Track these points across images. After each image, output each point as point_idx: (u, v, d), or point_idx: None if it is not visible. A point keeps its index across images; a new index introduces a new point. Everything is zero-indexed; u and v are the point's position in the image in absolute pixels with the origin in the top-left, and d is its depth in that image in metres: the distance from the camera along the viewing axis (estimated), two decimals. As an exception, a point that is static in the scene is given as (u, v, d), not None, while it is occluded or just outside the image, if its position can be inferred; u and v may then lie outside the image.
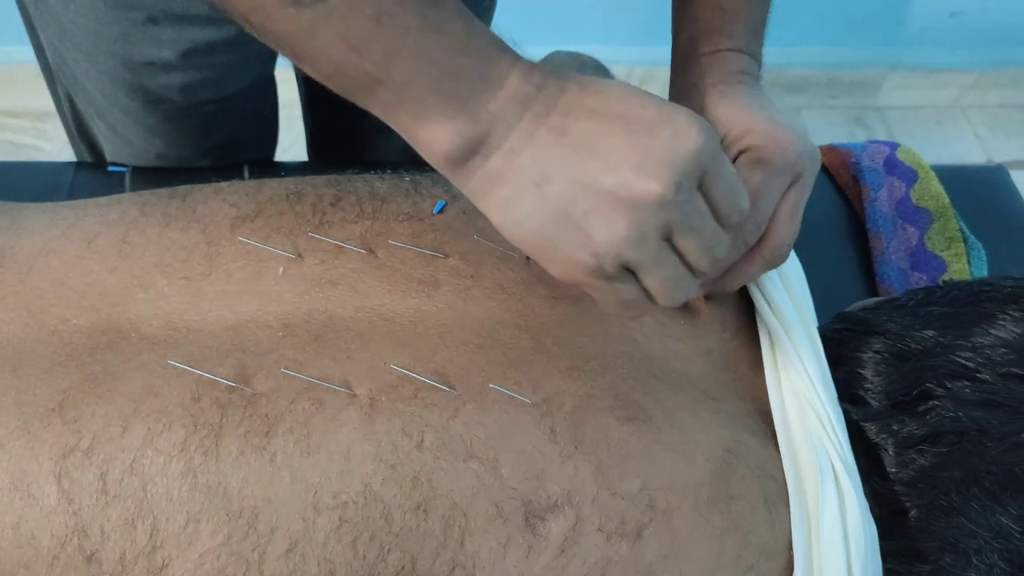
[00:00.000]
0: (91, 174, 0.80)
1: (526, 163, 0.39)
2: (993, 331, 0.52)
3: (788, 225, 0.48)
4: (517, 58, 0.40)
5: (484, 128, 0.38)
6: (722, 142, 0.47)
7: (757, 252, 0.48)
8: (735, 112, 0.48)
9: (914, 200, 0.78)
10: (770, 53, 1.76)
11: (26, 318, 0.47)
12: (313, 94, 0.87)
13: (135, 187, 0.76)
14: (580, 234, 0.39)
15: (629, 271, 0.41)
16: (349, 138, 0.87)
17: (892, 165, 0.81)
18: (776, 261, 0.49)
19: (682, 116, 0.39)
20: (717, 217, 0.41)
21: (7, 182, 0.77)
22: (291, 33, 0.36)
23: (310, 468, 0.42)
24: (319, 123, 0.92)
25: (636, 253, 0.40)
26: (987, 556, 0.49)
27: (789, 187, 0.48)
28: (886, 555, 0.50)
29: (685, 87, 0.52)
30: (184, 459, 0.42)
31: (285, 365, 0.44)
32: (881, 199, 0.79)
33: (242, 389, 0.43)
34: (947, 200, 0.78)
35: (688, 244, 0.41)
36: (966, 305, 0.54)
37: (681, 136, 0.38)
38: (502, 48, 0.39)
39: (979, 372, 0.50)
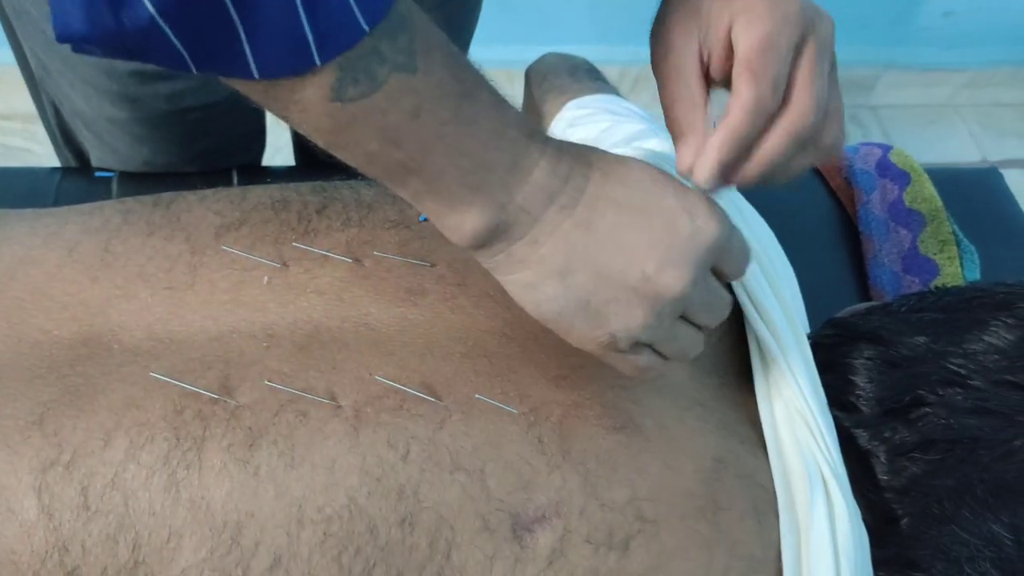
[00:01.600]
0: (77, 180, 0.79)
1: (550, 254, 0.39)
2: (985, 337, 0.51)
3: (810, 88, 0.41)
4: (545, 145, 0.39)
5: (511, 218, 0.39)
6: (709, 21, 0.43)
7: (780, 124, 0.42)
8: None
9: (907, 203, 0.78)
10: (764, 53, 1.73)
11: (6, 330, 0.46)
12: None
13: (122, 192, 0.75)
14: (598, 319, 0.40)
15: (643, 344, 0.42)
16: None
17: (885, 167, 0.81)
18: (804, 132, 0.42)
19: (701, 208, 0.40)
20: (724, 278, 0.43)
21: (-9, 187, 0.77)
22: (330, 127, 0.36)
23: (294, 481, 0.41)
24: None
25: (651, 335, 0.41)
26: (979, 564, 0.49)
27: (801, 47, 0.42)
28: (878, 563, 0.50)
29: None
30: (167, 473, 0.41)
31: (269, 377, 0.44)
32: (874, 202, 0.78)
33: (225, 401, 0.43)
34: (940, 203, 0.78)
35: (699, 317, 0.43)
36: (958, 311, 0.54)
37: (700, 231, 0.39)
38: (531, 135, 0.39)
39: (971, 379, 0.50)
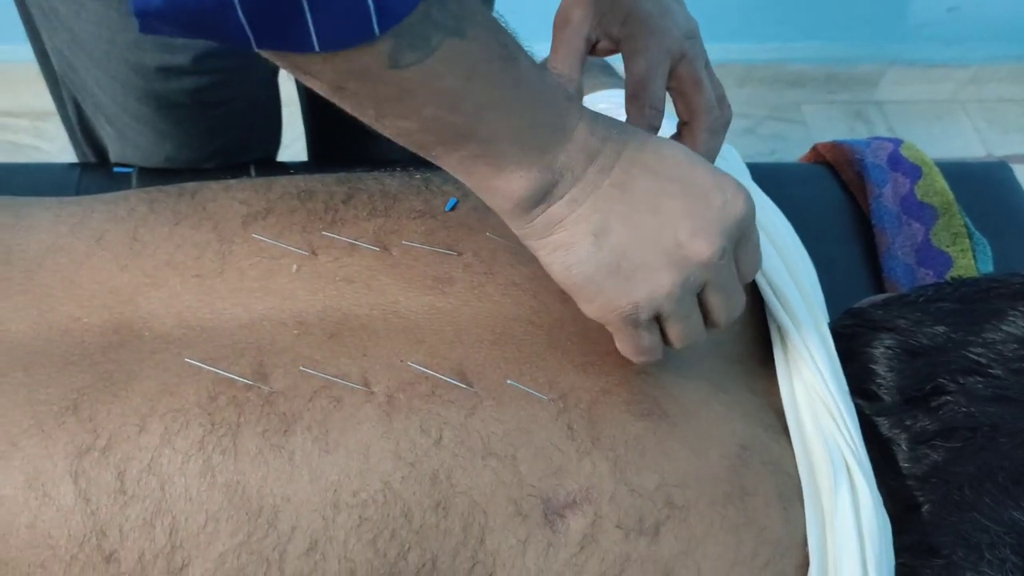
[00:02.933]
0: (97, 175, 0.79)
1: (587, 213, 0.40)
2: (1004, 327, 0.52)
3: (702, 94, 0.51)
4: (582, 109, 0.41)
5: (555, 177, 0.40)
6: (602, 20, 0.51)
7: (695, 128, 0.51)
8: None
9: (919, 196, 0.78)
10: (770, 49, 1.77)
11: (36, 317, 0.47)
12: (313, 93, 0.88)
13: (142, 187, 0.76)
14: (626, 285, 0.41)
15: (656, 320, 0.43)
16: (350, 137, 0.87)
17: (896, 161, 0.81)
18: (717, 125, 0.52)
19: (730, 184, 0.42)
20: (739, 276, 0.45)
21: (12, 183, 0.77)
22: (387, 95, 0.36)
23: (329, 466, 0.42)
24: (319, 123, 0.91)
25: (672, 306, 0.42)
26: (999, 551, 0.49)
27: (679, 65, 0.51)
28: (899, 550, 0.50)
29: None
30: (202, 458, 0.42)
31: (302, 363, 0.44)
32: (886, 195, 0.79)
33: (259, 387, 0.43)
34: (951, 196, 0.78)
35: (715, 301, 0.44)
36: (975, 301, 0.54)
37: (731, 204, 0.42)
38: (569, 98, 0.41)
39: (991, 367, 0.50)
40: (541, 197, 0.40)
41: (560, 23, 0.52)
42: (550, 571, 0.42)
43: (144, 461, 0.42)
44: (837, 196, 0.83)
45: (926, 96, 1.82)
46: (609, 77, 0.86)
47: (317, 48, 0.32)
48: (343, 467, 0.42)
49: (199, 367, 0.44)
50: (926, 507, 0.50)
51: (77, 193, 0.77)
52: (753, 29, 1.70)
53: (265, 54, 0.35)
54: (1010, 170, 0.89)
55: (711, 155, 0.52)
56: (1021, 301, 0.53)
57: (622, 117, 0.73)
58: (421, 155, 0.40)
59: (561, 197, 0.40)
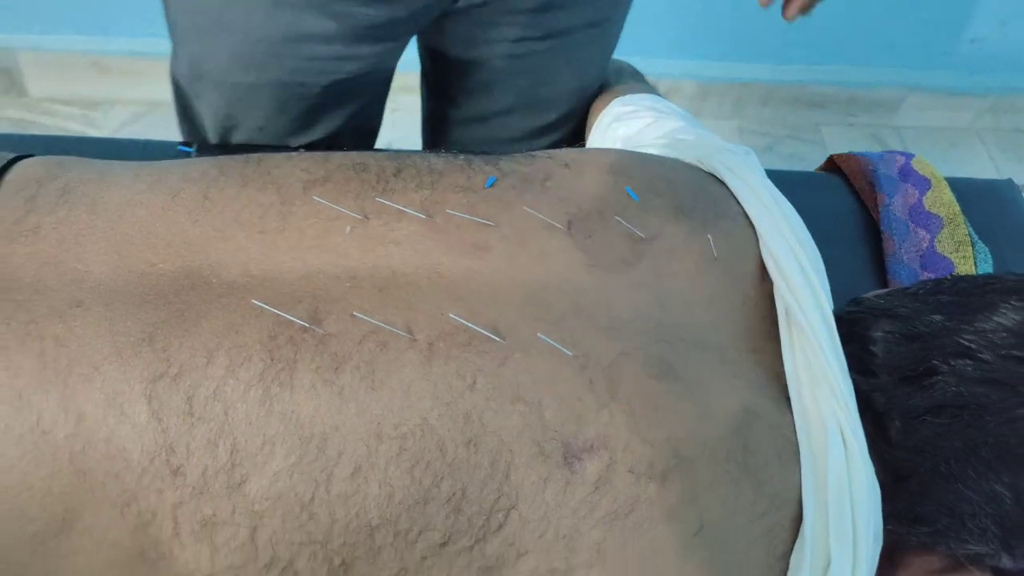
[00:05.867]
0: (160, 151, 0.85)
1: None
2: (995, 318, 0.56)
3: None
4: None
5: None
6: None
7: None
8: None
9: (926, 206, 0.83)
10: (794, 71, 1.83)
11: (116, 261, 0.52)
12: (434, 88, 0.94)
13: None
14: None
15: None
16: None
17: (907, 173, 0.86)
18: None
19: None
20: None
21: (82, 153, 0.82)
22: None
23: (374, 402, 0.46)
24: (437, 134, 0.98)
25: None
26: (980, 520, 0.53)
27: None
28: (888, 517, 0.54)
29: None
30: (262, 388, 0.46)
31: (353, 311, 0.49)
32: (896, 204, 0.83)
33: (314, 330, 0.48)
34: (958, 208, 0.83)
35: None
36: (971, 295, 0.58)
37: None
38: None
39: (981, 352, 0.54)
40: None
41: None
42: (567, 507, 0.47)
43: (210, 388, 0.46)
44: (849, 204, 0.88)
45: (944, 123, 1.86)
46: (638, 83, 0.91)
47: None
48: (386, 403, 0.47)
49: (261, 309, 0.48)
50: (915, 478, 0.54)
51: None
52: (777, 51, 1.75)
53: None
54: (1017, 189, 0.93)
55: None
56: (1014, 296, 0.57)
57: (647, 119, 0.78)
58: None
59: None
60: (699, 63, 1.66)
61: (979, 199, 0.88)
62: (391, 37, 0.77)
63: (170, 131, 0.91)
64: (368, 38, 0.74)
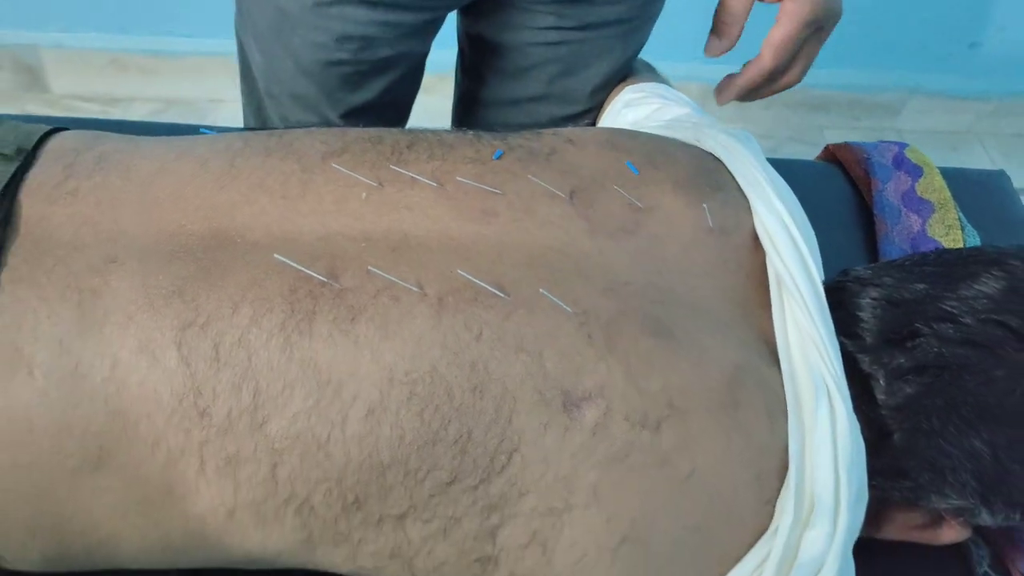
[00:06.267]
0: (186, 133, 0.89)
1: None
2: (976, 286, 0.59)
3: (803, 64, 0.76)
4: None
5: None
6: None
7: (778, 83, 0.76)
8: None
9: (918, 192, 0.86)
10: (796, 74, 1.80)
11: (147, 222, 0.55)
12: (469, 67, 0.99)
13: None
14: None
15: None
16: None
17: (900, 161, 0.89)
18: (787, 86, 0.78)
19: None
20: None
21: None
22: None
23: (387, 350, 0.50)
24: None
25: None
26: (960, 475, 0.56)
27: (811, 36, 0.71)
28: (873, 472, 0.57)
29: None
30: (283, 337, 0.50)
31: (368, 267, 0.52)
32: (889, 190, 0.86)
33: (331, 284, 0.51)
34: (948, 194, 0.86)
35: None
36: (955, 266, 0.62)
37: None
38: None
39: (962, 317, 0.58)
40: None
41: None
42: (565, 451, 0.50)
43: (235, 336, 0.50)
44: (844, 190, 0.91)
45: (945, 126, 1.89)
46: (649, 72, 0.95)
47: None
48: (398, 351, 0.50)
49: (283, 266, 0.52)
50: (898, 435, 0.57)
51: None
52: (781, 54, 1.79)
53: None
54: (1007, 179, 0.96)
55: (732, 91, 0.76)
56: (995, 266, 0.60)
57: (655, 105, 0.82)
58: None
59: None
60: (703, 65, 1.69)
61: (971, 188, 0.91)
62: (429, 7, 0.81)
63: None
64: (410, 6, 0.78)
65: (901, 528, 0.63)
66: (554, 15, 0.83)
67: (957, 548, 0.71)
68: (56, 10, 1.59)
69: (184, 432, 0.49)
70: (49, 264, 0.52)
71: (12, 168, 0.56)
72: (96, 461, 0.49)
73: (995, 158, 1.86)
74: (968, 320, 0.58)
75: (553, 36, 0.87)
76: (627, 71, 0.94)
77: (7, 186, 0.55)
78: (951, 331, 0.57)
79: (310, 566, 0.54)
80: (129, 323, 0.50)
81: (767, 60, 0.73)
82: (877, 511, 0.61)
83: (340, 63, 0.82)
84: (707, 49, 0.75)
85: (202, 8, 1.49)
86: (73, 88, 1.70)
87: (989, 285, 0.59)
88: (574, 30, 0.84)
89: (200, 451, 0.49)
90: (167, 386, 0.49)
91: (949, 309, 0.58)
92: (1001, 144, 1.88)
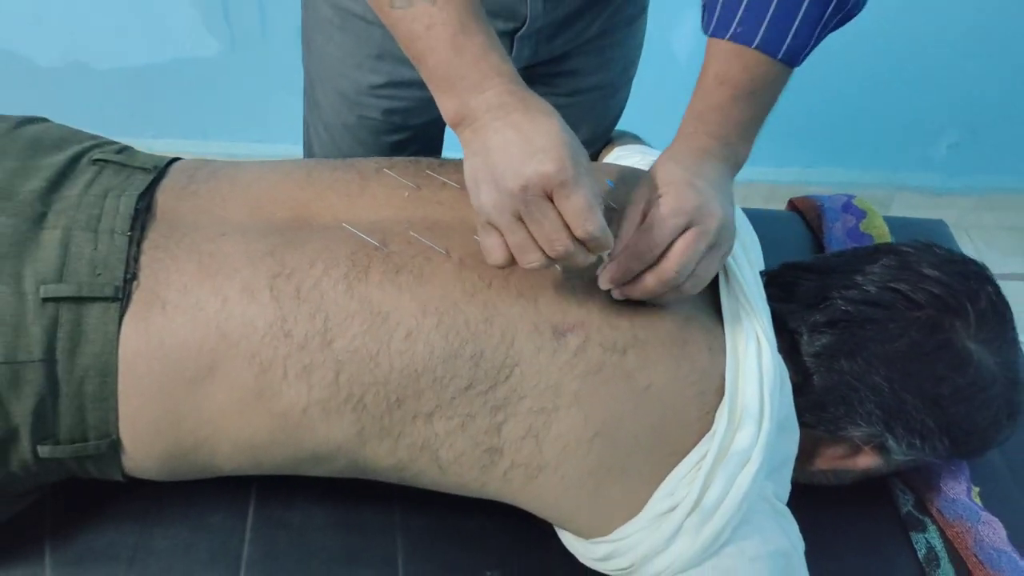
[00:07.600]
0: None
1: (479, 141, 0.63)
2: (876, 266, 0.77)
3: (678, 257, 0.64)
4: (505, 82, 0.63)
5: (468, 113, 0.63)
6: (648, 189, 0.67)
7: (651, 270, 0.65)
8: (667, 170, 0.68)
9: (861, 229, 1.04)
10: (794, 172, 2.10)
11: (248, 212, 0.75)
12: None
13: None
14: (477, 190, 0.62)
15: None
16: None
17: (847, 207, 1.08)
18: (666, 281, 0.65)
19: (553, 152, 0.59)
20: (568, 225, 0.60)
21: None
22: (389, 24, 0.66)
23: (422, 292, 0.68)
24: None
25: (496, 218, 0.61)
26: (867, 406, 0.72)
27: (685, 230, 0.64)
28: (801, 410, 0.73)
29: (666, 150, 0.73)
30: (346, 283, 0.68)
31: (409, 240, 0.71)
32: (836, 228, 1.05)
33: (382, 249, 0.70)
34: (887, 230, 1.04)
35: (533, 228, 0.61)
36: (865, 253, 0.80)
37: (542, 163, 0.59)
38: (500, 74, 0.64)
39: (865, 285, 0.75)
40: (462, 121, 0.64)
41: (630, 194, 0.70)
42: (554, 366, 0.67)
43: (312, 282, 0.68)
44: (803, 233, 1.10)
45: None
46: (636, 140, 1.16)
47: None
48: (430, 292, 0.68)
49: (348, 236, 0.71)
50: (817, 376, 0.74)
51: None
52: (777, 154, 2.01)
53: None
54: (946, 227, 1.14)
55: (645, 292, 0.66)
56: (892, 253, 0.78)
57: (635, 158, 1.02)
58: None
59: (470, 127, 0.63)
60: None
61: (911, 231, 1.08)
62: None
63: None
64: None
65: (829, 459, 0.77)
66: (548, 86, 1.03)
67: (888, 495, 0.85)
68: (148, 118, 1.87)
69: (273, 348, 0.67)
70: (178, 236, 0.71)
71: (151, 177, 0.77)
72: (207, 372, 0.67)
73: (979, 247, 2.02)
74: (869, 288, 0.75)
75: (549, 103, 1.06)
76: (611, 131, 1.15)
77: (148, 188, 0.75)
78: (856, 295, 0.74)
79: (359, 463, 0.70)
80: (235, 274, 0.69)
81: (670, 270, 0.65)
82: (810, 449, 0.77)
83: (386, 130, 1.04)
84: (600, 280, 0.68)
85: (271, 117, 1.76)
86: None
87: (886, 265, 0.77)
88: (565, 96, 1.04)
89: (284, 362, 0.67)
90: (262, 316, 0.67)
91: (856, 280, 0.76)
92: (986, 236, 2.05)
